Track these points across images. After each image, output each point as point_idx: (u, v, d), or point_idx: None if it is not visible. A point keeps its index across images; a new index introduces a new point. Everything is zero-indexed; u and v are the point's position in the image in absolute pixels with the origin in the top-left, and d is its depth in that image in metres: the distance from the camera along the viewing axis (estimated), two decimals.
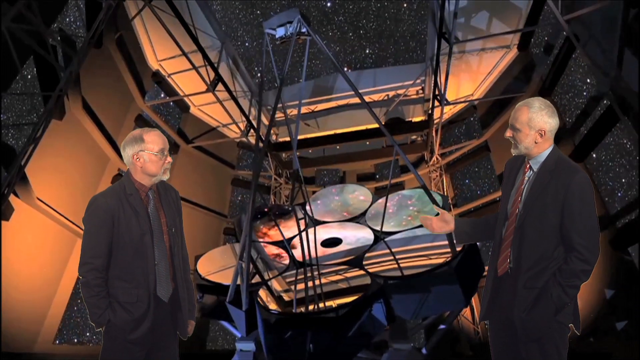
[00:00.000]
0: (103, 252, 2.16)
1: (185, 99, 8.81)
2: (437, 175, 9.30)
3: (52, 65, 4.91)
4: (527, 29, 7.18)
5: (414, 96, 9.53)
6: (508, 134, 2.20)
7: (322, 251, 4.66)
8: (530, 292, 2.12)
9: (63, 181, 5.89)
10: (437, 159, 9.06)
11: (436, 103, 7.70)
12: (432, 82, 8.34)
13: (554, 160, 2.15)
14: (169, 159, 2.27)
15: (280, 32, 4.30)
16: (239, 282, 3.75)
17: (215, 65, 7.21)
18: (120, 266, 2.21)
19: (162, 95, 9.21)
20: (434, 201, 4.54)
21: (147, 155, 2.21)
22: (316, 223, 5.14)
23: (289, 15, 4.34)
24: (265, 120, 9.63)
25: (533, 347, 2.13)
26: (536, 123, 2.11)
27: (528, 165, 2.21)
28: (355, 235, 4.87)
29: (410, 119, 9.32)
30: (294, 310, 3.39)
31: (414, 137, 9.95)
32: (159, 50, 7.97)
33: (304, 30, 4.26)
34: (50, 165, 5.60)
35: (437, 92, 7.52)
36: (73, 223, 5.94)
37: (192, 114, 9.22)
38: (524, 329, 2.14)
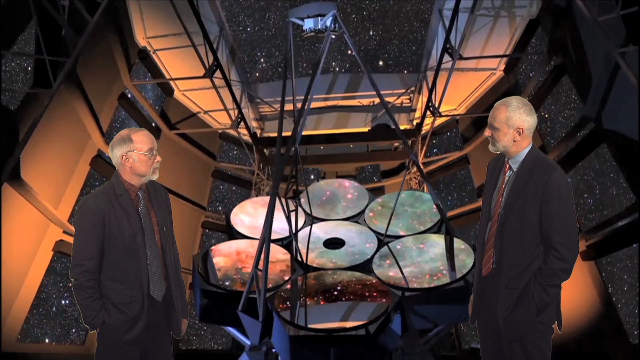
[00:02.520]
0: (95, 253, 2.15)
1: (171, 82, 8.37)
2: (416, 183, 9.63)
3: (53, 29, 4.39)
4: (519, 54, 7.69)
5: (397, 104, 9.80)
6: (487, 132, 2.23)
7: (325, 253, 4.61)
8: (512, 292, 2.15)
9: (41, 160, 5.29)
10: (421, 166, 9.38)
11: (427, 113, 7.98)
12: (423, 93, 8.68)
13: (533, 159, 2.18)
14: (158, 158, 2.26)
15: (308, 23, 4.17)
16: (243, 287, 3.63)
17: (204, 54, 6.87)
18: (112, 267, 2.20)
19: (142, 74, 8.68)
20: (440, 209, 4.70)
21: (136, 155, 2.20)
22: (314, 220, 5.09)
23: (321, 8, 4.22)
24: (251, 114, 9.40)
25: (516, 347, 2.16)
26: (514, 121, 2.14)
27: (508, 165, 2.24)
28: (357, 237, 4.89)
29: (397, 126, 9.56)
30: (313, 325, 3.35)
31: (396, 144, 10.23)
32: (149, 28, 7.48)
33: (329, 24, 4.16)
34: (32, 140, 5.00)
35: (430, 104, 7.79)
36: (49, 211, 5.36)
37: (175, 98, 8.77)
38: (506, 329, 2.17)
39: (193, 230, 8.45)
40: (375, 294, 3.84)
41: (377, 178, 10.78)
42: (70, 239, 5.71)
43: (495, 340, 2.26)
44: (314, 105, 10.17)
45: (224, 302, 3.84)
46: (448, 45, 6.60)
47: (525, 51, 7.69)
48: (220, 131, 9.43)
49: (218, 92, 7.34)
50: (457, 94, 9.01)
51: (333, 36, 4.18)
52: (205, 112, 9.11)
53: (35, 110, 4.25)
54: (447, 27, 6.87)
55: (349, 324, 3.47)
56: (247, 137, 8.93)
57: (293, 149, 5.06)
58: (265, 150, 10.09)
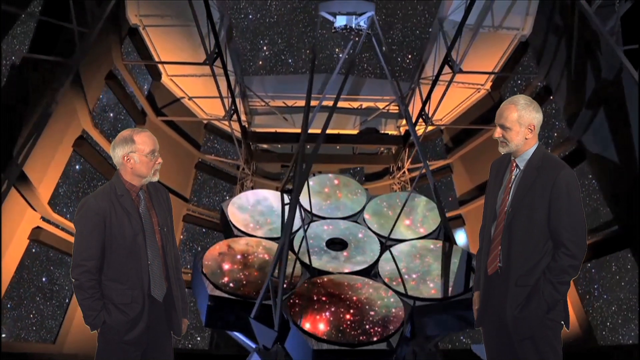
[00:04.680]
0: (96, 254, 2.18)
1: (160, 66, 7.96)
2: (398, 188, 9.84)
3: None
4: (515, 74, 8.08)
5: (386, 111, 9.98)
6: (497, 134, 2.21)
7: (328, 255, 4.55)
8: (522, 290, 2.14)
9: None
10: (406, 172, 9.61)
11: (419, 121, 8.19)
12: (415, 101, 8.89)
13: (540, 157, 2.18)
14: (159, 159, 2.28)
15: (341, 20, 4.00)
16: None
17: (207, 39, 6.59)
18: (114, 267, 2.22)
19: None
20: (441, 211, 4.79)
21: (138, 156, 2.22)
22: (312, 218, 5.02)
23: (357, 6, 4.04)
24: (241, 107, 9.16)
25: (527, 345, 2.16)
26: (525, 119, 2.14)
27: (514, 164, 2.24)
28: (358, 238, 4.88)
29: (385, 132, 9.73)
30: (334, 336, 3.32)
31: (382, 149, 10.41)
32: (143, 5, 7.04)
33: (363, 25, 4.02)
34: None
35: (423, 113, 8.00)
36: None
37: (162, 83, 8.34)
38: (516, 327, 2.15)
39: (174, 222, 8.06)
40: (381, 301, 3.85)
41: (360, 181, 10.88)
42: (49, 227, 5.28)
43: (501, 341, 2.24)
44: (303, 103, 10.15)
45: (231, 307, 3.71)
46: (449, 59, 6.80)
47: (515, 70, 8.10)
48: (206, 121, 9.12)
49: (216, 81, 7.06)
50: (443, 106, 9.33)
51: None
52: (190, 98, 8.75)
53: (57, 81, 3.76)
54: (446, 40, 7.10)
55: (366, 335, 3.47)
56: (236, 131, 8.68)
57: (299, 145, 4.95)
58: (251, 145, 9.88)
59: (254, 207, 5.05)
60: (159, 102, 8.19)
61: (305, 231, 4.41)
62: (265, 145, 10.06)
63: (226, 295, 3.68)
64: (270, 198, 5.12)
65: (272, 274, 3.59)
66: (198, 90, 8.70)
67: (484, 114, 8.78)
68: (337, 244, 4.81)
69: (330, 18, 4.17)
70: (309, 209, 4.98)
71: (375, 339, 3.35)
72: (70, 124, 5.64)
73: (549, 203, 2.09)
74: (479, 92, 8.84)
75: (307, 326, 3.42)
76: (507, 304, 2.16)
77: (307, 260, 4.22)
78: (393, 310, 3.64)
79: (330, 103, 10.01)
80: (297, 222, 4.86)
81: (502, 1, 6.85)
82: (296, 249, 4.32)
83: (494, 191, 2.30)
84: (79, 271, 2.15)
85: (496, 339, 2.28)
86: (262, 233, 4.61)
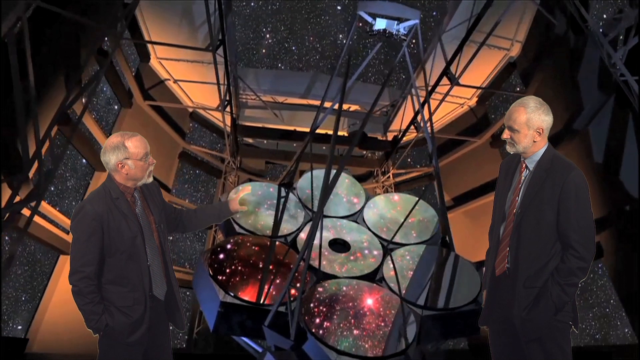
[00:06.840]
0: (94, 259, 2.17)
1: (150, 47, 7.50)
2: (382, 192, 10.02)
3: None
4: (501, 91, 8.46)
5: (375, 115, 10.11)
6: (505, 135, 2.21)
7: (332, 255, 4.49)
8: (530, 291, 2.13)
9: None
10: (391, 176, 9.78)
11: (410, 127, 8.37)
12: (405, 107, 9.07)
13: (549, 158, 2.17)
14: (153, 160, 2.29)
15: (380, 23, 3.78)
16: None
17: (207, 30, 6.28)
18: (114, 271, 2.22)
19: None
20: (443, 215, 4.87)
21: (132, 162, 2.22)
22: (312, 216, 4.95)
23: (400, 11, 3.81)
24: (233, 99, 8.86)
25: (535, 347, 2.15)
26: (534, 122, 2.13)
27: (524, 165, 2.23)
28: (359, 240, 4.87)
29: (374, 136, 9.85)
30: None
31: (367, 152, 10.52)
32: None
33: (403, 31, 3.82)
34: None
35: (415, 121, 8.18)
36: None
37: (150, 66, 7.88)
38: (524, 329, 2.14)
39: None
40: (391, 309, 3.87)
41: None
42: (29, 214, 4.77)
43: (507, 342, 2.25)
44: (292, 101, 10.03)
45: (241, 313, 3.58)
46: (448, 71, 6.99)
47: (503, 87, 8.51)
48: (192, 110, 8.74)
49: (216, 69, 6.79)
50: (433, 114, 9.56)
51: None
52: (175, 81, 8.34)
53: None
54: (445, 54, 7.30)
55: (381, 345, 3.48)
56: (221, 122, 8.39)
57: (330, 147, 4.83)
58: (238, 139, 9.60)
59: (256, 202, 4.88)
60: (145, 85, 7.74)
61: (321, 235, 4.32)
62: (250, 140, 9.82)
63: (239, 302, 3.53)
64: (269, 192, 4.98)
65: (290, 282, 3.47)
66: (186, 77, 8.31)
67: (470, 127, 9.13)
68: (339, 244, 4.76)
69: (369, 19, 4.00)
70: (309, 207, 4.90)
71: (387, 347, 3.35)
72: (56, 99, 5.14)
73: (558, 204, 2.10)
74: (462, 107, 9.18)
75: (325, 337, 3.36)
76: (514, 305, 2.17)
77: (311, 261, 4.13)
78: (396, 317, 3.67)
79: (305, 101, 9.85)
80: (301, 219, 4.75)
81: (495, 21, 7.16)
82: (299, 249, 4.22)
83: (503, 192, 2.30)
84: (78, 277, 2.13)
85: (502, 339, 2.29)
86: (263, 230, 4.48)
